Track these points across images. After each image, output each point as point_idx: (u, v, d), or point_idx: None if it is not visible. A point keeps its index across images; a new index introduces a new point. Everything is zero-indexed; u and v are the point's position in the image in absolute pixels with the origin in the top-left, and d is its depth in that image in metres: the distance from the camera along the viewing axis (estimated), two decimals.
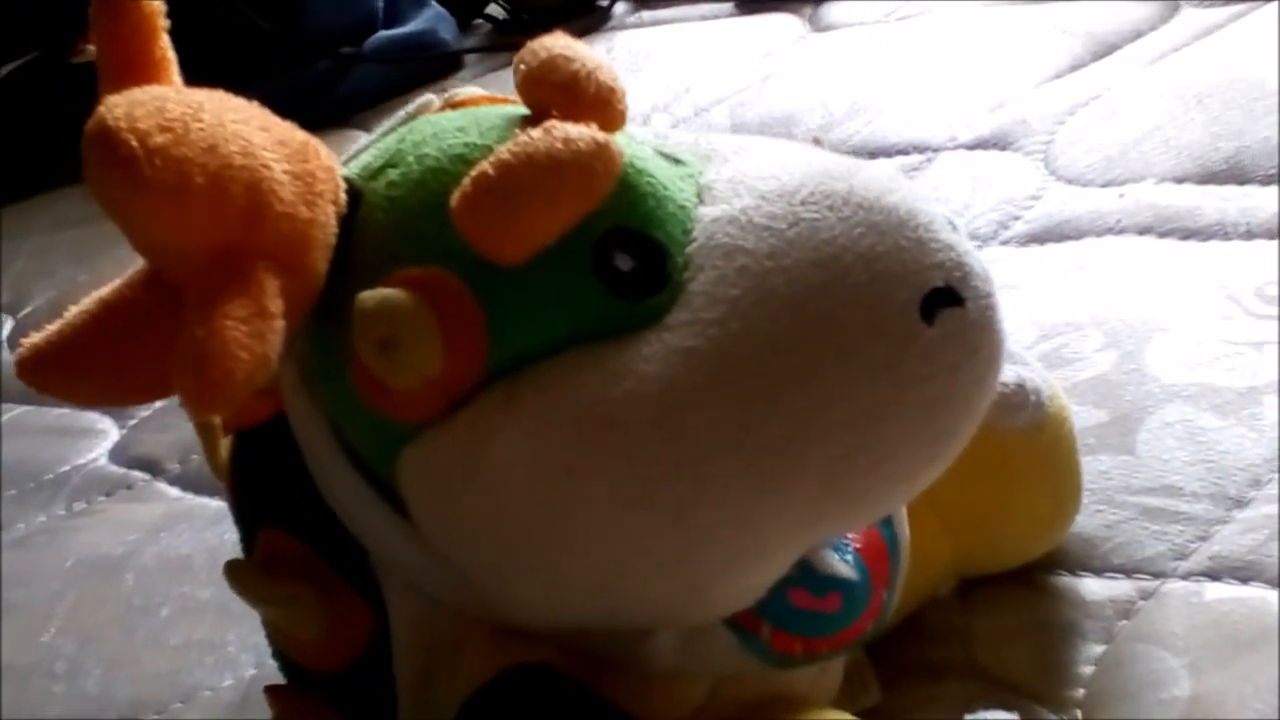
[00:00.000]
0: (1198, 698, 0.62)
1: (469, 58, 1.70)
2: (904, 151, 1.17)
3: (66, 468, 1.12)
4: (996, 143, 1.13)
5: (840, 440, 0.52)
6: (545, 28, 0.58)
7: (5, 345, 1.38)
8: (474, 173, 0.53)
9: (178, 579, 0.93)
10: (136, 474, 1.08)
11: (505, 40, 1.73)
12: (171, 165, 0.49)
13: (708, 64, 1.46)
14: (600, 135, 0.53)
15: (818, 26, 1.47)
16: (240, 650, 0.84)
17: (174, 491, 1.05)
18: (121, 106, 0.50)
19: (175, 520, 1.00)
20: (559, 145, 0.52)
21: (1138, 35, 1.23)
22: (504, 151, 0.53)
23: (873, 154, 1.17)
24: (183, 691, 0.83)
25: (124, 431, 1.15)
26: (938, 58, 1.31)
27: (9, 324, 1.42)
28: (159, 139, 0.49)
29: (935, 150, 1.15)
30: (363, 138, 1.32)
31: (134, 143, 0.49)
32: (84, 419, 1.18)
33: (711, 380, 0.52)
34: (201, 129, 0.50)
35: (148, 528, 1.00)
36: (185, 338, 0.50)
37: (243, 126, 0.52)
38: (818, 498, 0.53)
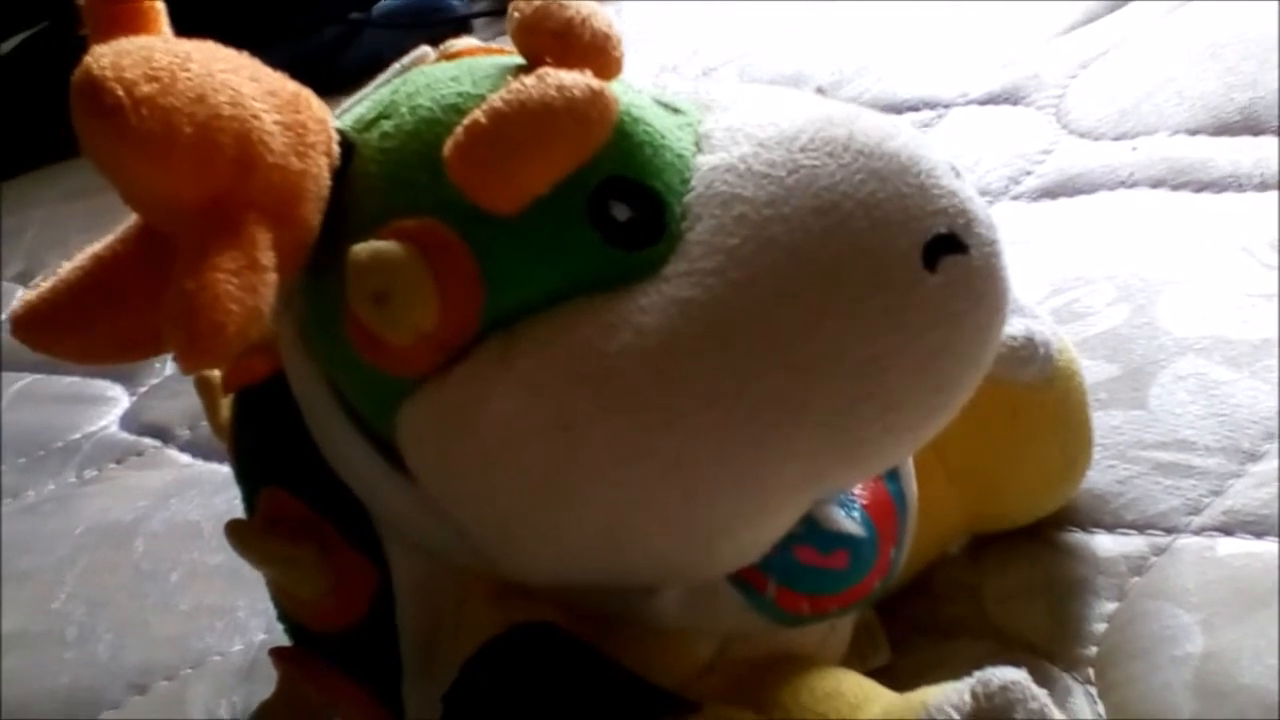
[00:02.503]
0: (1210, 653, 0.61)
1: (477, 22, 1.70)
2: (915, 108, 1.16)
3: (77, 435, 1.12)
4: (1008, 98, 1.12)
5: (842, 390, 0.52)
6: None
7: None
8: (466, 121, 0.52)
9: (187, 544, 0.93)
10: (147, 441, 1.08)
11: None
12: (159, 115, 0.48)
13: (716, 25, 1.45)
14: (595, 82, 0.52)
15: None
16: (250, 615, 0.84)
17: (184, 458, 1.05)
18: (107, 56, 0.49)
19: (185, 486, 1.00)
20: (552, 92, 0.52)
21: None
22: (496, 99, 0.52)
23: (883, 111, 1.15)
24: (192, 656, 0.83)
25: (134, 398, 1.15)
26: (949, 13, 1.30)
27: (20, 293, 1.42)
28: (146, 88, 0.48)
29: (946, 106, 1.14)
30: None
31: (120, 92, 0.48)
32: (94, 386, 1.18)
33: (710, 330, 0.52)
34: (189, 78, 0.49)
35: (158, 494, 1.00)
36: (175, 290, 0.49)
37: (232, 76, 0.51)
38: (820, 449, 0.52)
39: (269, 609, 0.76)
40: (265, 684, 0.76)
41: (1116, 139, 1.01)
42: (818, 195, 0.53)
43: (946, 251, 0.53)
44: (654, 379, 0.51)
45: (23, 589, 0.93)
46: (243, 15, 1.52)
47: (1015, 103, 1.11)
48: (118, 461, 1.07)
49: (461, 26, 1.68)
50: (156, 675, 0.82)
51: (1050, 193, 0.99)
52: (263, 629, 0.82)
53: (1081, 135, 1.03)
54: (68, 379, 1.20)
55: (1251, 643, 0.60)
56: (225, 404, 0.67)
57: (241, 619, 0.84)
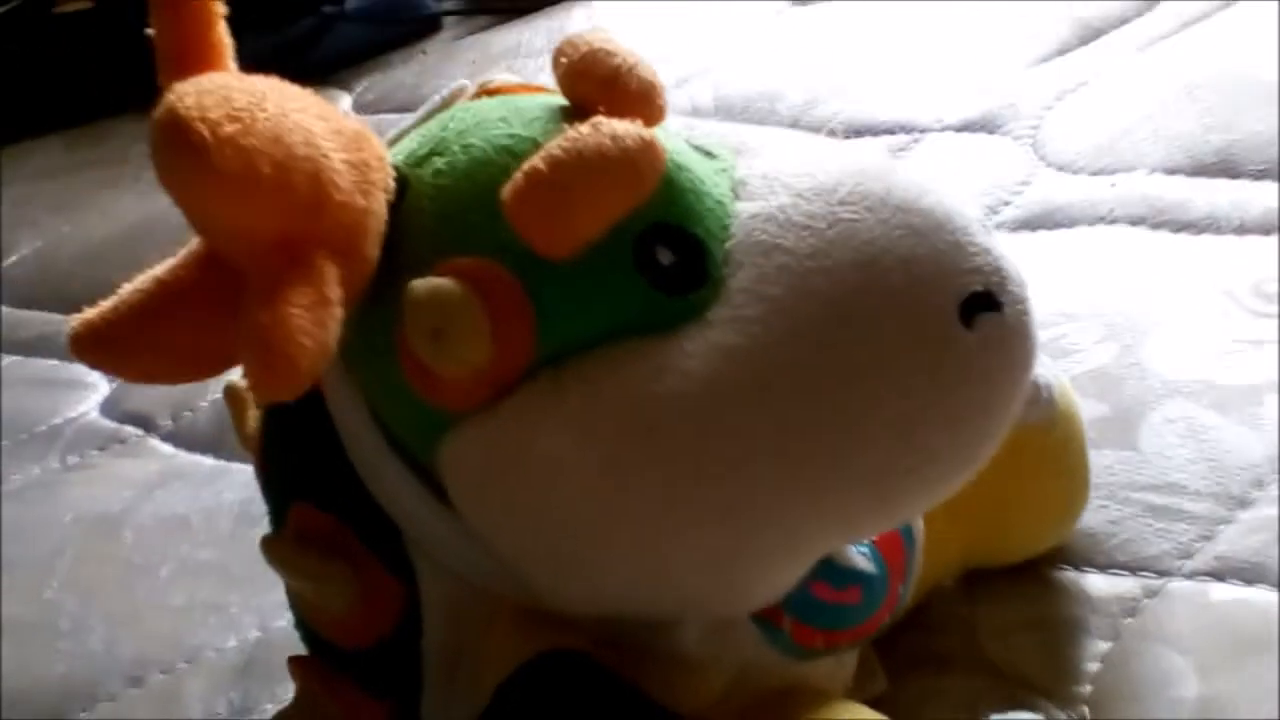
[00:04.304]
0: (1207, 699, 0.62)
1: (448, 20, 1.71)
2: (890, 131, 1.16)
3: (58, 420, 1.12)
4: (984, 125, 1.13)
5: (883, 443, 0.53)
6: None
7: None
8: (526, 167, 0.53)
9: (176, 538, 0.93)
10: (128, 429, 1.09)
11: (484, 3, 1.74)
12: (240, 155, 0.50)
13: (687, 35, 1.46)
14: (646, 132, 0.54)
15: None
16: (243, 612, 0.84)
17: (167, 448, 1.05)
18: (191, 95, 0.50)
19: (170, 478, 1.01)
20: (608, 142, 0.53)
21: (1123, 21, 1.23)
22: (554, 147, 0.53)
23: (858, 133, 1.16)
24: (187, 651, 0.83)
25: (114, 385, 1.15)
26: (922, 35, 1.31)
27: None
28: (228, 129, 0.50)
29: (922, 131, 1.15)
30: (345, 98, 1.30)
31: (205, 132, 0.49)
32: (72, 370, 1.18)
33: (755, 378, 0.53)
34: (267, 119, 0.51)
35: (142, 485, 1.00)
36: (250, 323, 0.50)
37: (303, 116, 0.53)
38: (859, 499, 0.54)
39: (261, 605, 0.76)
40: (262, 682, 0.77)
41: (1094, 174, 1.02)
42: (858, 249, 0.54)
43: (982, 309, 0.54)
44: (700, 426, 0.53)
45: (13, 577, 0.93)
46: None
47: (991, 131, 1.12)
48: (100, 449, 1.07)
49: (432, 23, 1.70)
50: (152, 669, 0.83)
51: (1030, 225, 1.00)
52: (257, 626, 0.83)
53: (1059, 168, 1.04)
54: (46, 362, 1.21)
55: (1248, 690, 0.61)
56: (253, 416, 0.68)
57: (235, 615, 0.84)
